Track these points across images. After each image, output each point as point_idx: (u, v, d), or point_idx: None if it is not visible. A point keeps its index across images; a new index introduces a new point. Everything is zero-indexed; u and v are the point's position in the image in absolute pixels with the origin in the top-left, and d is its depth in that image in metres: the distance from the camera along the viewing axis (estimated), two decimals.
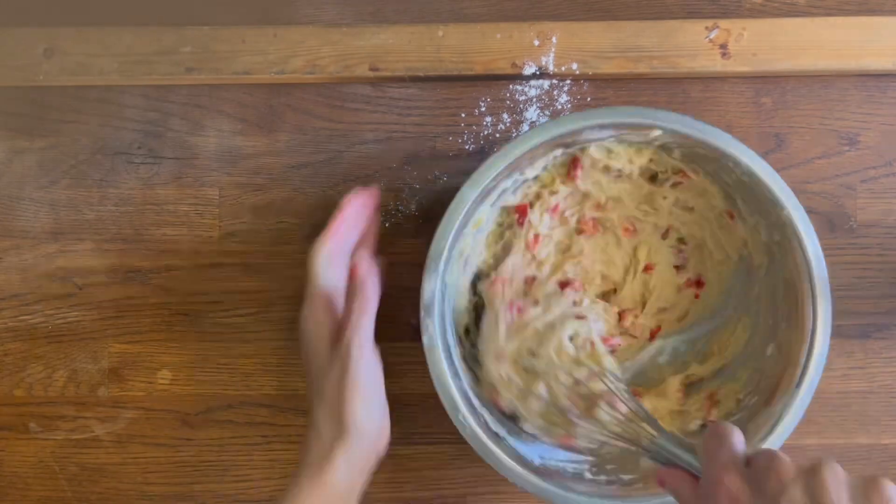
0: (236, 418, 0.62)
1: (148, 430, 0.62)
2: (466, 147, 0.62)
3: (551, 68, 0.61)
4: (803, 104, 0.62)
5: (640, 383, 0.59)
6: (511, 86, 0.62)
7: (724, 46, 0.61)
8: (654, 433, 0.47)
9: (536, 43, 0.61)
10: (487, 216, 0.57)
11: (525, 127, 0.62)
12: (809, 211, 0.62)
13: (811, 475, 0.39)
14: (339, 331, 0.51)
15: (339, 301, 0.53)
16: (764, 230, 0.55)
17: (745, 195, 0.54)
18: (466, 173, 0.50)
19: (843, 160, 0.62)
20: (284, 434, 0.62)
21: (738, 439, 0.43)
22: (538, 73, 0.61)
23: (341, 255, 0.55)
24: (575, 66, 0.61)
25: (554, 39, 0.61)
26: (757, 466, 0.41)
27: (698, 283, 0.60)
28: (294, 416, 0.62)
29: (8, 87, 0.62)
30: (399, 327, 0.61)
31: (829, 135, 0.62)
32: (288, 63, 0.61)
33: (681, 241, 0.60)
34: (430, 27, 0.61)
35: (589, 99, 0.62)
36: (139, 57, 0.61)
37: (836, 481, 0.38)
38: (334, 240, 0.54)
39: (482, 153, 0.62)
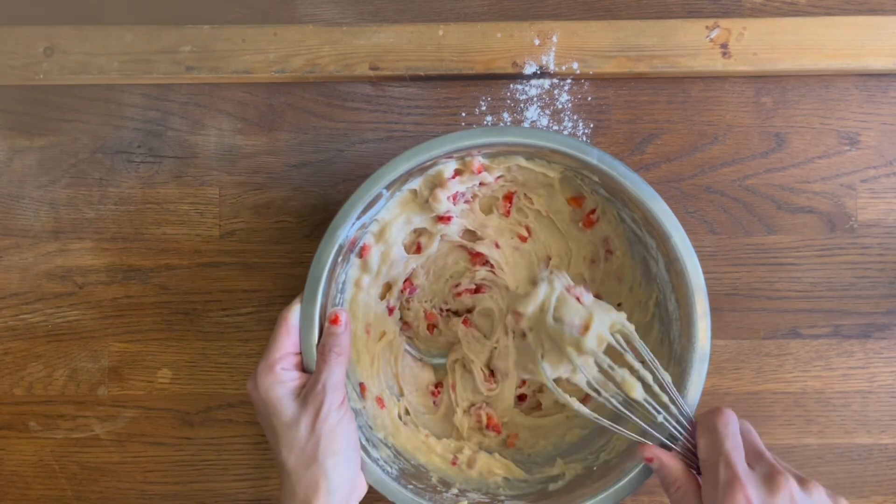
0: (236, 417, 0.62)
1: (148, 430, 0.62)
2: None
3: (552, 68, 0.61)
4: (804, 104, 0.62)
5: None
6: (512, 85, 0.62)
7: (724, 46, 0.61)
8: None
9: (537, 42, 0.61)
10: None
11: (525, 126, 0.62)
12: (810, 211, 0.62)
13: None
14: (309, 381, 0.50)
15: (292, 361, 0.52)
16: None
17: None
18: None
19: (843, 160, 0.62)
20: None
21: (735, 426, 0.47)
22: (539, 72, 0.61)
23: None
24: (575, 65, 0.61)
25: (554, 39, 0.61)
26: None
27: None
28: None
29: (8, 86, 0.62)
30: None
31: (829, 134, 0.62)
32: (288, 62, 0.61)
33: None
34: (431, 26, 0.61)
35: (589, 98, 0.62)
36: (139, 56, 0.61)
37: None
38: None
39: None
